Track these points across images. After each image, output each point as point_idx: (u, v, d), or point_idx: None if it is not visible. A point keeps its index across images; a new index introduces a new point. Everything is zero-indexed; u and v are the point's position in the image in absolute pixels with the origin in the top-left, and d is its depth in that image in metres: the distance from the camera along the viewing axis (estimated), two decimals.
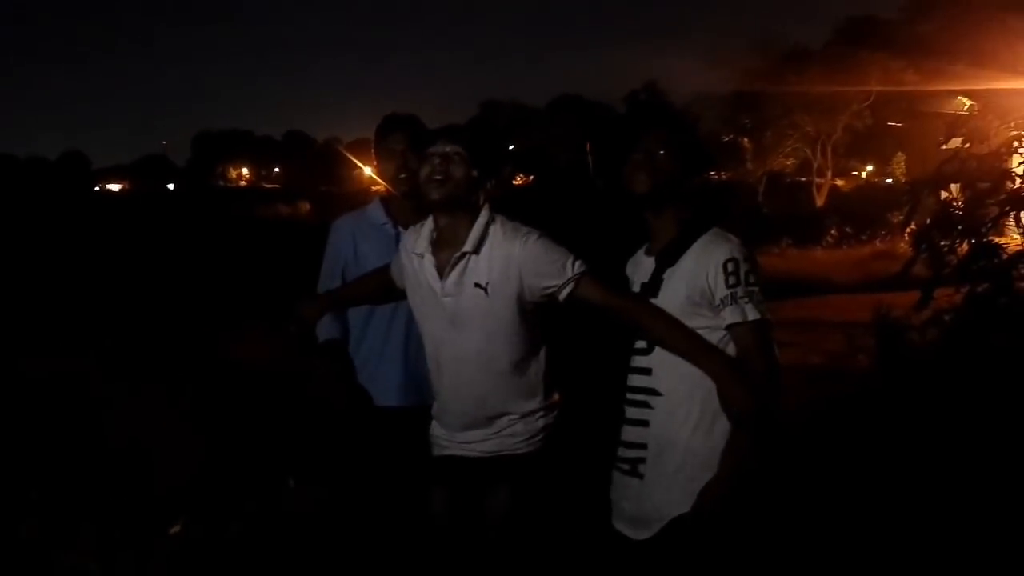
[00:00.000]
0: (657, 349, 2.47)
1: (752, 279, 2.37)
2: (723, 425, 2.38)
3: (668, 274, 2.47)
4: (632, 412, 2.52)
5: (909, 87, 25.77)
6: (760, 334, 2.36)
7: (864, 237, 22.41)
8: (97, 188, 62.78)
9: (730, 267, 2.37)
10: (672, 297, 2.45)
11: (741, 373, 2.35)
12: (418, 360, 3.04)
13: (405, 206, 3.20)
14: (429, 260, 2.66)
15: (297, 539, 3.89)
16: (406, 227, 3.12)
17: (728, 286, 2.36)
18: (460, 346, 2.63)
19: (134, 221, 26.46)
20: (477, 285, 2.57)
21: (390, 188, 3.26)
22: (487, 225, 2.60)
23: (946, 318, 5.31)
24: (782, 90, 28.58)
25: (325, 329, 3.19)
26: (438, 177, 2.60)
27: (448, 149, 2.61)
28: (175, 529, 4.10)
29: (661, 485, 2.43)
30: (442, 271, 2.62)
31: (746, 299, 2.35)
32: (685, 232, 2.49)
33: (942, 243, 5.25)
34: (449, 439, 2.71)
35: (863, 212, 24.01)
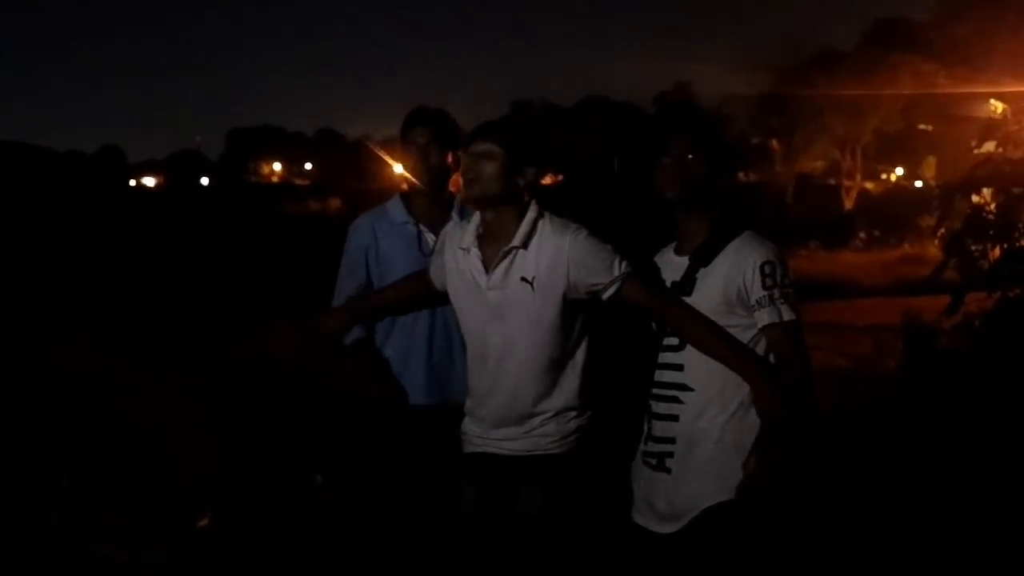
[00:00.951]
0: (689, 346, 2.50)
1: (787, 281, 2.43)
2: (752, 417, 2.43)
3: (702, 274, 2.51)
4: (661, 407, 2.55)
5: (941, 90, 25.53)
6: (795, 335, 2.42)
7: (893, 241, 22.21)
8: (132, 182, 63.46)
9: (767, 269, 2.41)
10: (706, 296, 2.49)
11: (776, 378, 2.41)
12: (441, 360, 3.05)
13: (426, 202, 3.16)
14: (475, 254, 2.65)
15: (322, 534, 3.89)
16: (428, 225, 3.11)
17: (765, 288, 2.41)
18: (501, 341, 2.62)
19: (168, 215, 26.72)
20: (523, 280, 2.56)
21: (412, 182, 3.18)
22: (536, 220, 2.60)
23: (976, 324, 5.23)
24: (811, 92, 28.38)
25: (352, 330, 3.17)
26: (469, 176, 2.60)
27: (481, 148, 2.61)
28: (203, 522, 4.12)
29: (692, 477, 2.46)
30: (488, 265, 2.62)
31: (782, 300, 2.40)
32: (718, 233, 2.53)
33: (973, 248, 5.17)
34: (482, 436, 2.69)
35: (892, 215, 23.77)
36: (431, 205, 3.15)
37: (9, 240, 16.02)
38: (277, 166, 77.16)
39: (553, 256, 2.56)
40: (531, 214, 2.60)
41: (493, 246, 2.62)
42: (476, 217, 2.70)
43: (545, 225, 2.60)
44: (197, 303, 10.51)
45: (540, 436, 2.61)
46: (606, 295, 2.55)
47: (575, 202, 3.02)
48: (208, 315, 9.56)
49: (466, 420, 2.76)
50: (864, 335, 8.26)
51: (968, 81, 21.60)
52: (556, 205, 2.71)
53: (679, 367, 2.52)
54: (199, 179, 65.29)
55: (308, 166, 73.24)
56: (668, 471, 2.51)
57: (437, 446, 2.90)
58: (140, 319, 9.28)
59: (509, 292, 2.59)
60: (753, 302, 2.43)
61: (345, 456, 3.27)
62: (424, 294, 2.91)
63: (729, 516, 2.40)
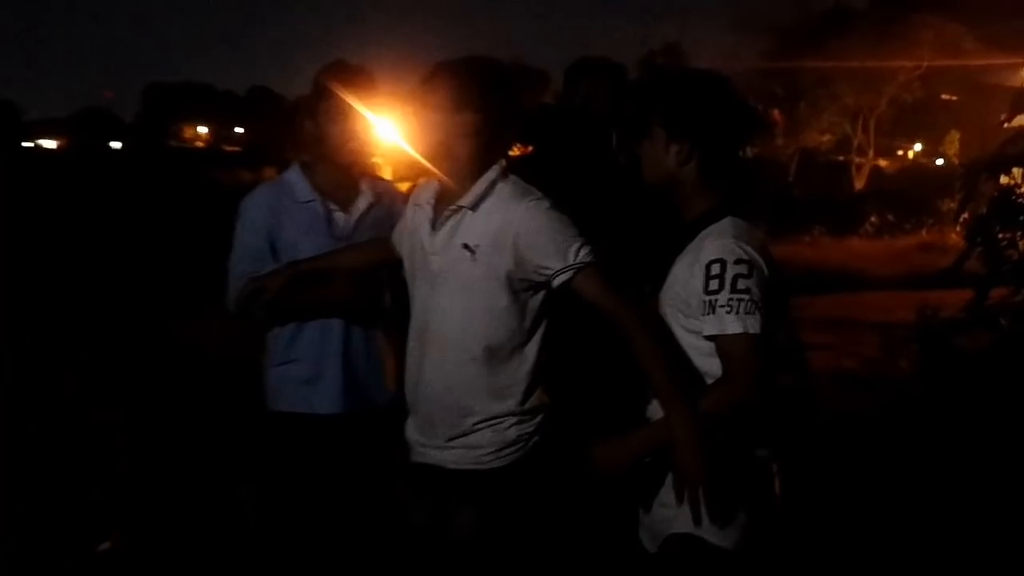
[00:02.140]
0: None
1: (741, 285, 2.30)
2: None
3: (677, 261, 2.47)
4: (651, 411, 2.53)
5: (967, 56, 25.79)
6: (738, 350, 2.29)
7: (909, 226, 22.38)
8: (29, 144, 62.46)
9: (714, 269, 2.32)
10: (667, 295, 2.47)
11: (703, 437, 2.31)
12: (360, 363, 3.08)
13: (333, 175, 3.10)
14: (425, 212, 2.63)
15: (247, 549, 3.89)
16: (338, 202, 3.08)
17: (708, 291, 2.32)
18: (436, 316, 2.59)
19: (73, 183, 26.31)
20: (465, 246, 2.52)
21: (330, 155, 3.08)
22: (494, 182, 2.55)
23: (1002, 321, 5.30)
24: (819, 56, 28.51)
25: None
26: (439, 151, 2.57)
27: (458, 119, 2.53)
28: (104, 545, 4.10)
29: (666, 495, 2.44)
30: (435, 225, 2.60)
31: (727, 308, 2.30)
32: (702, 217, 2.47)
33: (1001, 235, 5.23)
34: (422, 442, 2.67)
35: (909, 197, 23.96)
36: (338, 178, 3.11)
37: None
38: (203, 129, 76.46)
39: (501, 225, 2.50)
40: (490, 174, 2.56)
41: (444, 204, 2.59)
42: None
43: (503, 188, 2.55)
44: (115, 287, 10.39)
45: (473, 447, 2.56)
46: (555, 283, 2.49)
47: (550, 178, 3.01)
48: (131, 301, 9.48)
49: (408, 422, 2.73)
50: (874, 333, 8.34)
51: (998, 45, 21.85)
52: (525, 180, 2.69)
53: None
54: (109, 142, 64.37)
55: (239, 130, 72.62)
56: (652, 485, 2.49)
57: (360, 456, 2.98)
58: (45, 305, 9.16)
59: (448, 259, 2.55)
60: (694, 307, 2.37)
61: (269, 469, 3.24)
62: (385, 262, 2.88)
63: (691, 550, 2.38)
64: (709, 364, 2.37)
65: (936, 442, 5.15)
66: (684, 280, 2.39)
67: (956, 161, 31.26)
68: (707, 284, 2.31)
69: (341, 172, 3.10)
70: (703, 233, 2.41)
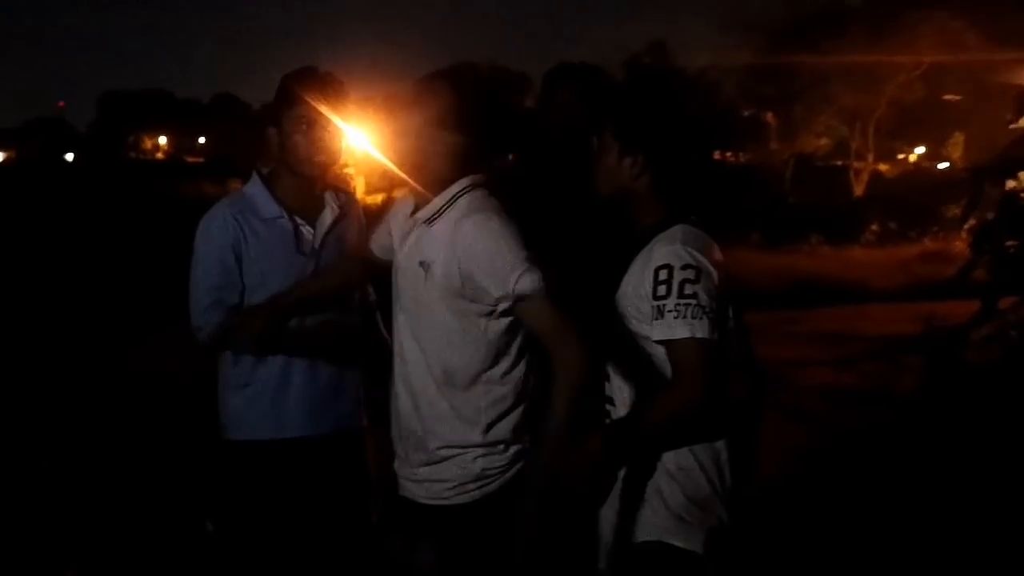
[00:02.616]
0: (613, 374, 2.58)
1: (688, 290, 2.38)
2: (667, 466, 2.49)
3: (630, 269, 2.55)
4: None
5: (971, 53, 25.95)
6: (688, 355, 2.36)
7: (912, 234, 22.57)
8: None
9: (662, 275, 2.40)
10: (621, 297, 2.55)
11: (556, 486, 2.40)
12: (328, 382, 3.05)
13: (297, 188, 3.06)
14: (402, 221, 2.65)
15: None
16: (303, 216, 3.04)
17: (656, 296, 2.40)
18: (402, 333, 2.60)
19: (22, 199, 26.20)
20: (421, 264, 2.52)
21: (295, 167, 3.03)
22: (455, 196, 2.54)
23: (1012, 333, 5.32)
24: (813, 55, 28.65)
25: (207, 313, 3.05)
26: (417, 159, 2.56)
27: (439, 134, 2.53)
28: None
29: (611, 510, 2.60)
30: (402, 240, 2.62)
31: (675, 313, 2.37)
32: (654, 226, 2.55)
33: (1009, 242, 5.25)
34: (400, 471, 2.68)
35: (911, 203, 24.14)
36: (303, 190, 3.07)
37: None
38: (163, 139, 76.28)
39: (449, 240, 2.49)
40: (454, 187, 2.54)
41: (412, 217, 2.61)
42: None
43: (461, 202, 2.53)
44: (66, 308, 10.36)
45: (439, 480, 2.56)
46: (498, 310, 2.49)
47: (530, 189, 3.00)
48: (84, 323, 9.44)
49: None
50: (876, 347, 8.40)
51: (1004, 42, 21.96)
52: (511, 194, 2.69)
53: (611, 400, 2.60)
54: (62, 154, 64.14)
55: (202, 140, 72.53)
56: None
57: (331, 482, 2.98)
58: None
59: (409, 275, 2.57)
60: (645, 313, 2.44)
61: (236, 500, 3.22)
62: (358, 282, 2.94)
63: (661, 556, 2.47)
64: (666, 369, 2.43)
65: (941, 462, 5.16)
66: (635, 286, 2.49)
67: (960, 164, 31.47)
68: (655, 289, 2.40)
69: (306, 184, 3.06)
70: (653, 240, 2.49)
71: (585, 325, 2.45)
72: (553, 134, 3.47)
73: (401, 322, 2.63)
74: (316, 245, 3.06)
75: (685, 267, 2.39)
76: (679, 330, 2.35)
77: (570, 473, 2.39)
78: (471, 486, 2.54)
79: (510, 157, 3.86)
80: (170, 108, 74.55)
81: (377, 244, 2.83)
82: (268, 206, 3.05)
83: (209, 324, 3.00)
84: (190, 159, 67.59)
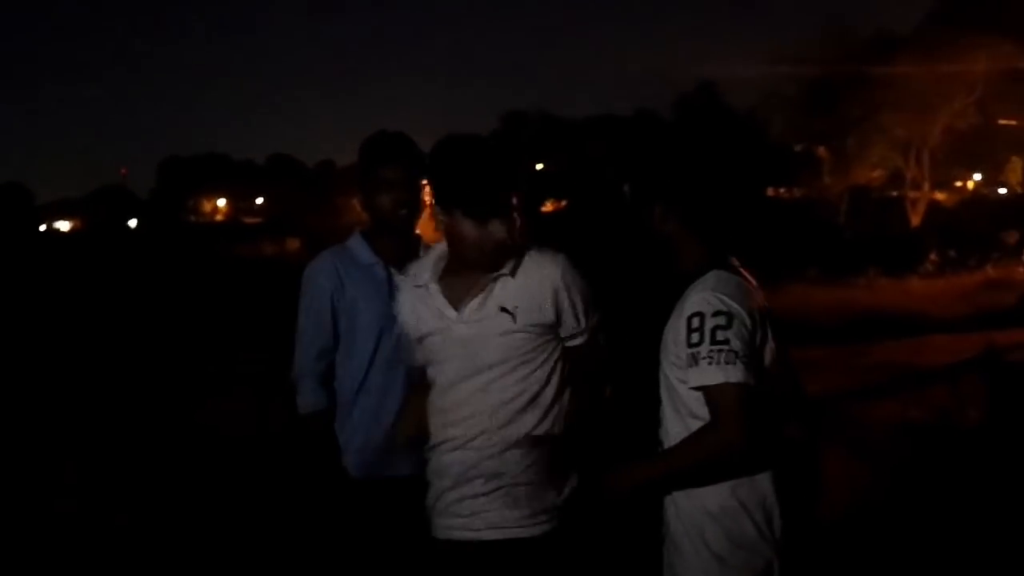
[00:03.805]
0: (662, 417, 2.64)
1: (720, 336, 2.44)
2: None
3: (671, 318, 2.62)
4: None
5: None
6: (723, 399, 2.42)
7: (972, 262, 22.21)
8: (43, 227, 63.71)
9: (694, 323, 2.47)
10: (663, 346, 2.62)
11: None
12: None
13: (392, 241, 3.25)
14: (435, 290, 2.73)
15: None
16: (398, 266, 3.11)
17: (690, 344, 2.46)
18: (474, 382, 2.69)
19: (89, 266, 26.75)
20: (503, 310, 2.65)
21: (386, 223, 3.24)
22: (522, 249, 2.68)
23: None
24: (864, 87, 28.47)
25: (310, 395, 3.24)
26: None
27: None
28: None
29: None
30: (454, 300, 2.70)
31: (708, 359, 2.43)
32: (691, 272, 2.62)
33: None
34: (447, 513, 2.73)
35: (970, 231, 23.83)
36: (398, 244, 3.23)
37: None
38: (222, 202, 77.49)
39: (540, 284, 2.67)
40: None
41: (465, 278, 2.70)
42: (434, 251, 2.80)
43: (533, 252, 2.70)
44: (137, 369, 10.56)
45: (508, 508, 2.66)
46: (571, 343, 2.71)
47: (584, 232, 3.10)
48: (154, 383, 9.62)
49: (431, 493, 2.78)
50: (940, 379, 8.28)
51: None
52: (560, 235, 2.80)
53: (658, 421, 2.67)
54: (126, 220, 65.53)
55: (259, 201, 73.61)
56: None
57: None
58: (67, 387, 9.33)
59: (486, 324, 2.67)
60: (683, 360, 2.50)
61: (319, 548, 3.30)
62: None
63: None
64: (704, 413, 2.48)
65: (1010, 494, 5.08)
66: (673, 335, 2.54)
67: (1020, 190, 31.02)
68: (689, 337, 2.47)
69: (399, 239, 3.24)
70: (689, 288, 2.56)
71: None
72: (591, 184, 3.57)
73: (463, 374, 2.71)
74: None
75: (716, 314, 2.45)
76: (712, 376, 2.41)
77: (612, 490, 2.55)
78: (544, 517, 2.68)
79: (563, 203, 3.96)
80: (227, 170, 75.82)
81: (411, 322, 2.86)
82: (364, 254, 3.26)
83: (309, 395, 3.26)
84: (248, 220, 68.59)
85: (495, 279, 2.66)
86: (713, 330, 2.43)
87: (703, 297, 2.48)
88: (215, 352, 10.62)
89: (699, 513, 2.54)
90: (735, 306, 2.47)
